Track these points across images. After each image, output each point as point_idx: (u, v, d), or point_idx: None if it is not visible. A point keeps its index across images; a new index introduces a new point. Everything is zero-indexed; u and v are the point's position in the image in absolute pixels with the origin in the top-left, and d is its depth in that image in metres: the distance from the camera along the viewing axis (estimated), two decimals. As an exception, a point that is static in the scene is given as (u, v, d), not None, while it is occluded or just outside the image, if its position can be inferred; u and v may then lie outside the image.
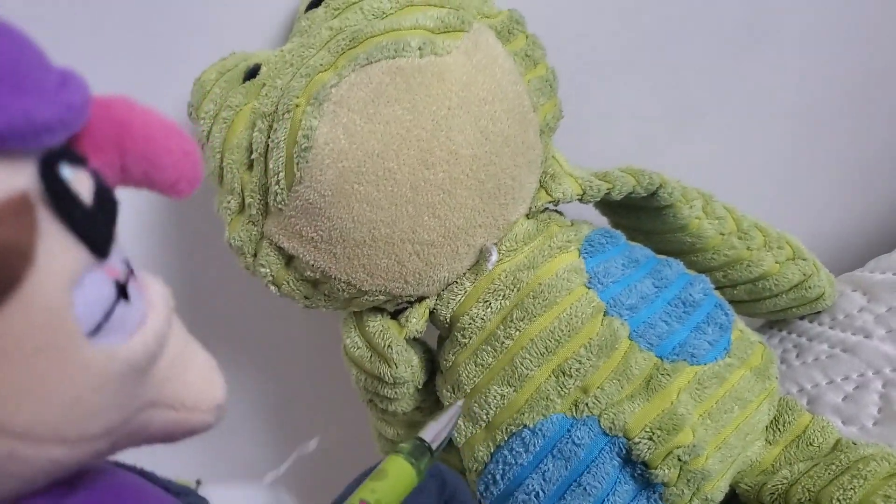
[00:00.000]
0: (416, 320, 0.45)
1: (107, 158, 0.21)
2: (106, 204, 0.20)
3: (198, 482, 0.33)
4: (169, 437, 0.24)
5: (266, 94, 0.40)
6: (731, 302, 0.50)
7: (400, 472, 0.32)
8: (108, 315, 0.20)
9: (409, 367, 0.46)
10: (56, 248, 0.18)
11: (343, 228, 0.39)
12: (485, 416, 0.44)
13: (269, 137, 0.39)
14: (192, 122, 0.45)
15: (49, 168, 0.18)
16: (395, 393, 0.47)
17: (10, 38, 0.18)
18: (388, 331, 0.45)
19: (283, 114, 0.38)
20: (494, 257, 0.44)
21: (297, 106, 0.38)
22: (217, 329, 0.61)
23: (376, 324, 0.46)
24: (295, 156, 0.37)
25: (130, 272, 0.22)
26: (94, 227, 0.19)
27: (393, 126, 0.38)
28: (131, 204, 0.53)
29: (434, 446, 0.34)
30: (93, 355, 0.19)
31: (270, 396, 0.67)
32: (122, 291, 0.21)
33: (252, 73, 0.42)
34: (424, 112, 0.38)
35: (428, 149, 0.39)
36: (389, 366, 0.45)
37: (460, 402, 0.38)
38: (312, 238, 0.40)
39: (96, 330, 0.20)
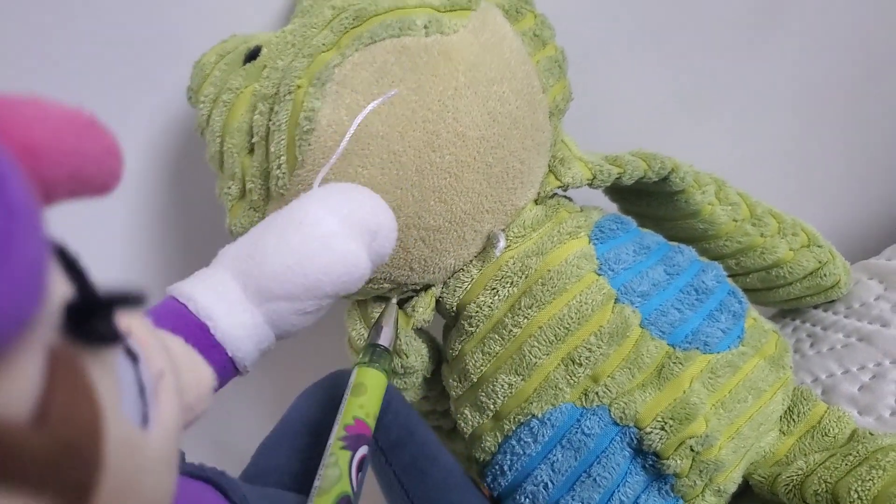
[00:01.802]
0: (423, 310, 0.44)
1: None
2: (86, 282, 0.16)
3: None
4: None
5: (267, 76, 0.39)
6: (743, 290, 0.49)
7: (375, 381, 0.35)
8: (143, 395, 0.18)
9: (419, 356, 0.45)
10: (104, 386, 0.15)
11: (346, 213, 0.38)
12: (492, 406, 0.43)
13: (270, 120, 0.38)
14: (192, 106, 0.44)
15: (82, 325, 0.15)
16: (405, 383, 0.46)
17: None
18: None
19: (285, 95, 0.37)
20: (502, 244, 0.43)
21: (298, 87, 0.37)
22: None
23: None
24: (297, 138, 0.36)
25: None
26: (106, 323, 0.16)
27: (398, 107, 0.37)
28: (125, 196, 0.52)
29: (391, 347, 0.37)
30: (156, 444, 0.17)
31: (269, 389, 0.66)
32: (132, 356, 0.18)
33: (253, 54, 0.41)
34: (430, 93, 0.37)
35: (434, 131, 0.37)
36: (399, 356, 0.44)
37: (394, 300, 0.41)
38: (315, 223, 0.39)
39: (144, 420, 0.17)
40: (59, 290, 0.15)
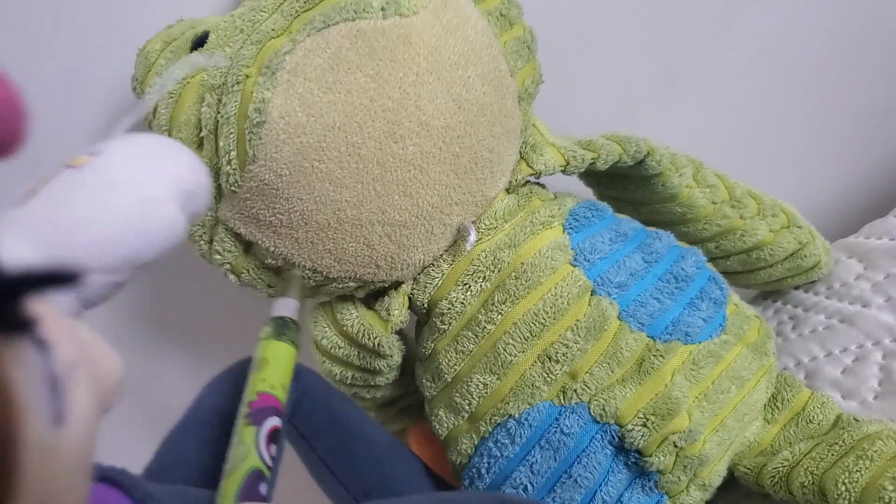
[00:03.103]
0: (398, 311, 0.42)
1: None
2: None
3: None
4: None
5: (214, 65, 0.36)
6: (723, 273, 0.48)
7: (277, 352, 0.34)
8: (56, 390, 0.16)
9: (399, 350, 0.44)
10: (19, 383, 0.15)
11: (304, 211, 0.36)
12: (467, 407, 0.41)
13: (218, 112, 0.35)
14: (137, 97, 0.41)
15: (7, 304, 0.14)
16: (387, 378, 0.45)
17: None
18: (373, 329, 0.42)
19: (233, 86, 0.34)
20: (473, 237, 0.40)
21: (247, 76, 0.34)
22: (178, 319, 0.58)
23: (354, 322, 0.42)
24: (247, 132, 0.34)
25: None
26: (17, 308, 0.15)
27: (355, 96, 0.34)
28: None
29: (294, 316, 0.36)
30: (71, 444, 0.16)
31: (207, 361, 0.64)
32: (42, 346, 0.17)
33: (200, 41, 0.38)
34: (390, 80, 0.34)
35: (395, 120, 0.35)
36: (384, 357, 0.43)
37: (296, 272, 0.39)
38: (271, 222, 0.36)
39: (58, 418, 0.16)
40: None
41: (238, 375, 0.37)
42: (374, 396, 0.47)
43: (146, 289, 0.56)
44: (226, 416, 0.35)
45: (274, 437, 0.31)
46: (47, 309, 0.17)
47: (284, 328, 0.35)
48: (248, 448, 0.30)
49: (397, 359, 0.44)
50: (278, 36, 0.35)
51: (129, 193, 0.27)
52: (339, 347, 0.43)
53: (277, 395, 0.33)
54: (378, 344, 0.42)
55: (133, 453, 0.37)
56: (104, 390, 0.20)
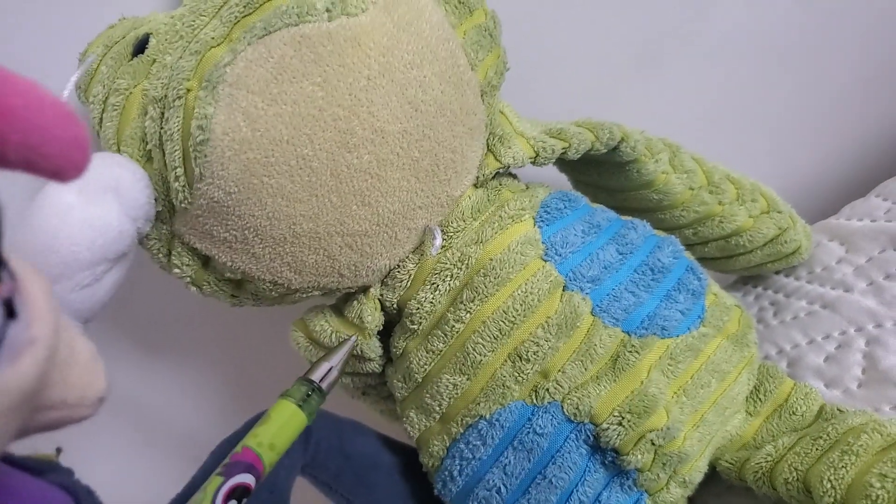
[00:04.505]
0: (372, 318, 0.41)
1: None
2: None
3: (58, 450, 0.32)
4: (45, 430, 0.23)
5: (156, 74, 0.34)
6: (701, 259, 0.46)
7: (283, 414, 0.33)
8: None
9: (381, 349, 0.43)
10: None
11: (258, 227, 0.35)
12: (438, 408, 0.40)
13: (161, 127, 0.33)
14: (82, 104, 0.39)
15: None
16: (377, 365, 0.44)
17: None
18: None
19: (174, 100, 0.32)
20: (438, 241, 0.39)
21: (188, 91, 0.32)
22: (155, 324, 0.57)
23: (330, 335, 0.41)
24: (191, 149, 0.32)
25: (9, 274, 0.19)
26: None
27: (303, 106, 0.32)
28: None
29: (324, 385, 0.36)
30: None
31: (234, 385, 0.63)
32: (9, 309, 0.18)
33: (140, 46, 0.36)
34: (339, 86, 0.33)
35: (347, 129, 0.33)
36: (370, 361, 0.42)
37: (354, 338, 0.40)
38: (225, 238, 0.35)
39: None
40: None
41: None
42: (367, 383, 0.46)
43: (148, 302, 0.56)
44: None
45: (237, 493, 0.31)
46: (44, 295, 0.20)
47: (306, 394, 0.35)
48: (206, 496, 0.30)
49: (381, 362, 0.43)
50: (218, 45, 0.33)
51: (44, 211, 0.31)
52: (327, 334, 0.42)
53: (262, 455, 0.32)
54: (360, 350, 0.41)
55: (131, 467, 0.37)
56: (74, 397, 0.23)
